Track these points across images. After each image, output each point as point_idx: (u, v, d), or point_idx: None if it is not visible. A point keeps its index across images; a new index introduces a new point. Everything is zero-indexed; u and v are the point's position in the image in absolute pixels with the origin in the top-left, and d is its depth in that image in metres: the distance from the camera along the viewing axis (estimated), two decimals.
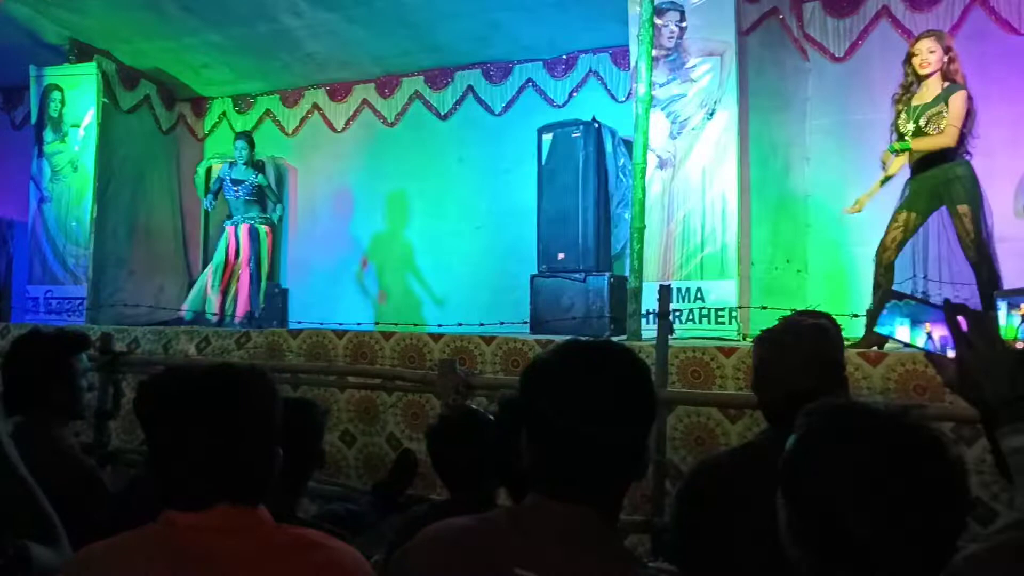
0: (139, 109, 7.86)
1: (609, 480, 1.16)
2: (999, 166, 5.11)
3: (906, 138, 4.23)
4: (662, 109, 5.35)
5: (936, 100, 4.16)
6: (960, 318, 1.10)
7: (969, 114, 4.10)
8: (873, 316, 3.65)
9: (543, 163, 6.09)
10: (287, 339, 5.01)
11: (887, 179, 4.43)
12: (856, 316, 3.87)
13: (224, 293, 6.57)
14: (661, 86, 5.33)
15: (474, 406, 3.04)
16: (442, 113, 7.61)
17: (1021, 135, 5.23)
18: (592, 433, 1.12)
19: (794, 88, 5.85)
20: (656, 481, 3.37)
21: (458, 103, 7.54)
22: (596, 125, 5.99)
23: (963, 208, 4.07)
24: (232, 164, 6.81)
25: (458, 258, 7.33)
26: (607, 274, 5.79)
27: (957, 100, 4.08)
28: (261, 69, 7.75)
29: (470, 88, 7.46)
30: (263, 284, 6.78)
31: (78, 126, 7.22)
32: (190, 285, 7.83)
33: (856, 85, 5.82)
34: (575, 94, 6.98)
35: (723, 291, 5.05)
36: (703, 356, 3.87)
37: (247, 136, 6.96)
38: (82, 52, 7.35)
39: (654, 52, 4.97)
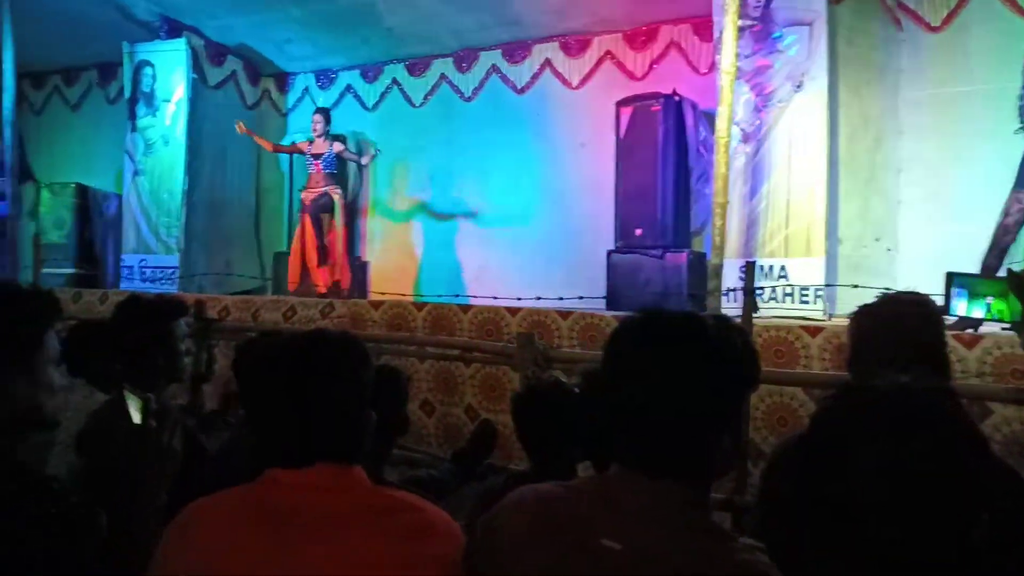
0: (225, 85, 8.07)
1: (695, 456, 1.13)
2: None
3: None
4: (746, 81, 5.21)
5: None
6: None
7: None
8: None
9: (621, 137, 6.01)
10: (369, 310, 5.12)
11: None
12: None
13: (306, 267, 6.68)
14: (746, 57, 5.18)
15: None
16: (519, 87, 7.58)
17: None
18: (676, 407, 1.10)
19: (887, 59, 5.60)
20: (740, 461, 3.32)
21: (535, 77, 7.50)
22: (677, 98, 5.87)
23: None
24: (311, 141, 6.90)
25: (535, 233, 7.32)
26: (686, 250, 5.70)
27: None
28: (342, 44, 7.85)
29: (547, 62, 7.41)
30: (340, 256, 6.87)
31: (169, 101, 7.47)
32: (260, 259, 8.08)
33: (953, 56, 5.53)
34: (655, 66, 6.85)
35: (807, 269, 4.91)
36: (787, 335, 3.80)
37: (323, 111, 7.04)
38: (172, 28, 7.59)
39: (739, 22, 4.83)
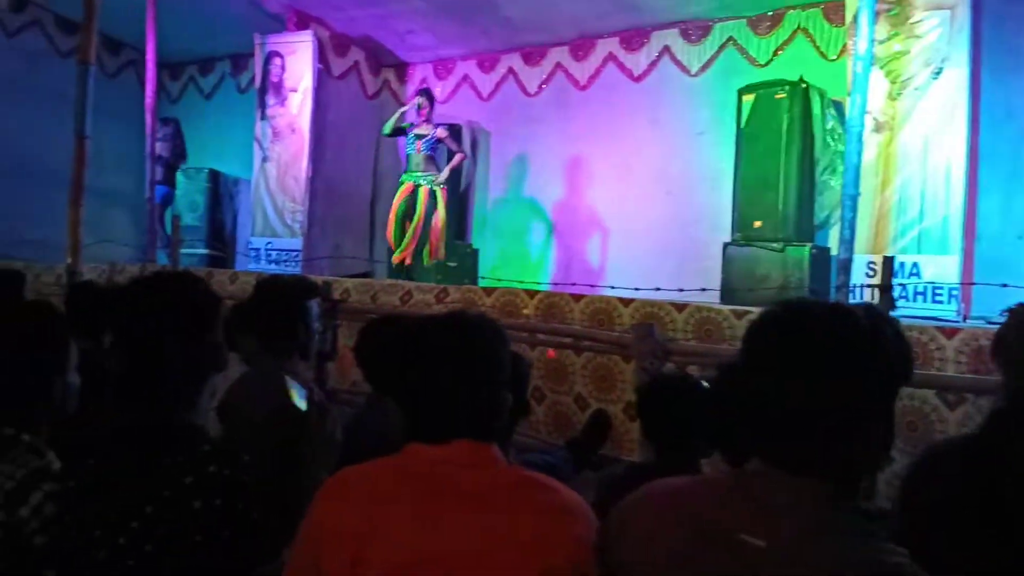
0: (348, 75, 8.33)
1: (843, 454, 1.07)
2: None
3: None
4: (881, 67, 4.97)
5: None
6: None
7: None
8: None
9: (743, 126, 5.82)
10: (481, 296, 5.18)
11: None
12: None
13: (404, 248, 6.68)
14: (881, 43, 4.94)
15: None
16: (635, 75, 7.47)
17: None
18: (825, 401, 1.05)
19: None
20: None
21: (653, 64, 7.37)
22: (804, 85, 5.63)
23: None
24: (414, 123, 6.84)
25: (647, 223, 7.22)
26: (808, 244, 5.47)
27: None
28: (461, 34, 7.95)
29: (666, 48, 7.27)
30: (444, 242, 6.88)
31: (296, 91, 7.77)
32: (371, 244, 8.26)
33: None
34: (780, 53, 6.61)
35: (942, 267, 4.65)
36: (921, 336, 3.59)
37: (426, 91, 6.95)
38: (300, 20, 7.89)
39: (876, 5, 4.60)
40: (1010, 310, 1.73)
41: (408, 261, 6.63)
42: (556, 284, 5.58)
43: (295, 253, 7.55)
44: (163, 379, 1.45)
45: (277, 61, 7.93)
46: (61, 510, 1.46)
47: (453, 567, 1.19)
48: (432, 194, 6.71)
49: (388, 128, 6.91)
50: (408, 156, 6.84)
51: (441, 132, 6.81)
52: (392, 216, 6.72)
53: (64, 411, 1.70)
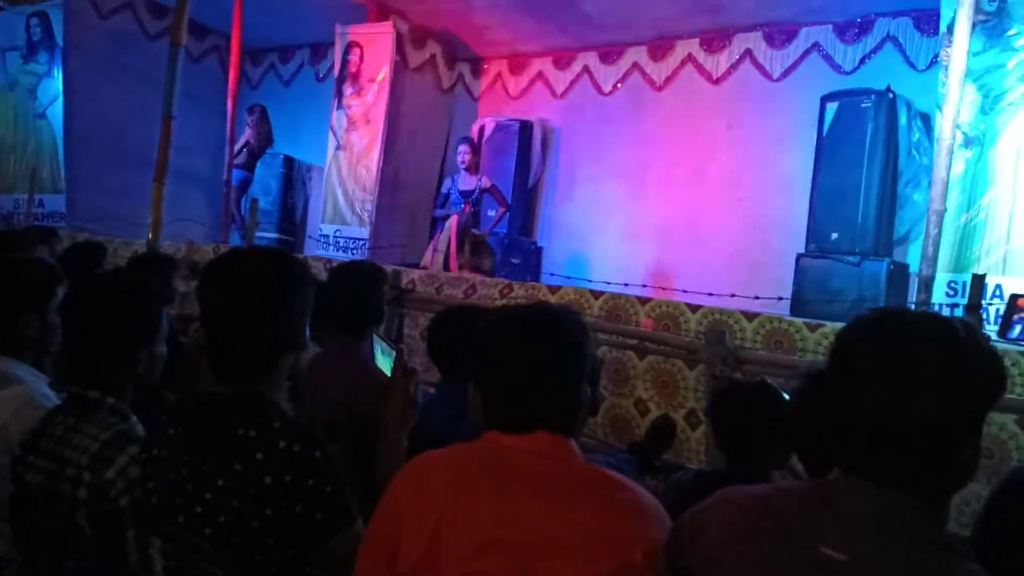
0: (424, 68, 8.39)
1: (934, 468, 1.04)
2: None
3: None
4: (973, 81, 4.77)
5: None
6: None
7: None
8: None
9: (824, 134, 5.67)
10: (546, 293, 5.16)
11: None
12: None
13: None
14: (975, 55, 4.74)
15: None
16: (715, 77, 7.35)
17: None
18: (918, 413, 1.01)
19: None
20: None
21: (733, 67, 7.24)
22: (891, 95, 5.46)
23: None
24: (456, 174, 6.78)
25: (717, 229, 7.10)
26: (887, 259, 5.30)
27: None
28: (538, 30, 7.94)
29: (748, 52, 7.13)
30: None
31: (373, 81, 7.87)
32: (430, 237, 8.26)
33: None
34: (867, 61, 6.42)
35: None
36: (1006, 359, 3.44)
37: (469, 140, 6.94)
38: (380, 11, 7.98)
39: (973, 16, 4.42)
40: None
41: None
42: (627, 285, 5.51)
43: (362, 242, 7.65)
44: (240, 352, 1.47)
45: (356, 51, 8.05)
46: (145, 475, 1.50)
47: (527, 554, 1.19)
48: (482, 240, 6.69)
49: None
50: (454, 208, 6.73)
51: (486, 182, 6.79)
52: (439, 247, 6.67)
53: (150, 379, 1.75)
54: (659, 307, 4.72)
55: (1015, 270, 4.60)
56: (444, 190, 6.96)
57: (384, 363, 1.89)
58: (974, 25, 4.60)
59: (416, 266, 6.84)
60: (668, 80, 7.65)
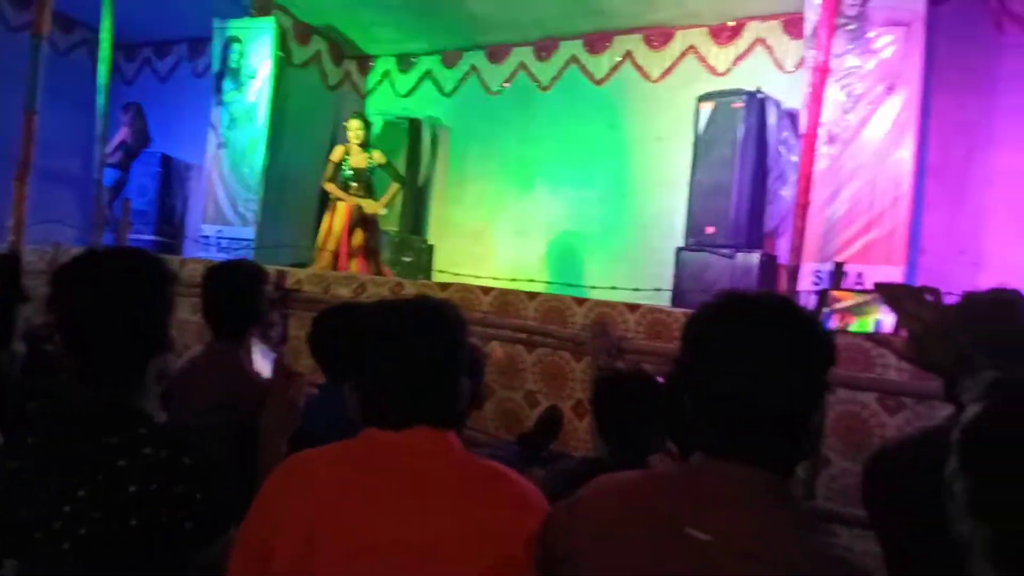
0: (309, 64, 8.22)
1: (785, 440, 1.09)
2: None
3: None
4: (836, 81, 5.08)
5: None
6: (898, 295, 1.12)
7: None
8: None
9: (700, 133, 5.92)
10: (436, 291, 5.16)
11: None
12: None
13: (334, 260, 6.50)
14: (837, 57, 5.05)
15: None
16: (597, 78, 7.52)
17: None
18: (769, 388, 1.06)
19: (986, 64, 5.38)
20: (808, 464, 3.26)
21: (615, 69, 7.43)
22: (760, 95, 5.75)
23: None
24: (348, 151, 6.58)
25: (602, 226, 7.28)
26: (758, 251, 5.59)
27: None
28: (425, 29, 7.91)
29: (628, 54, 7.33)
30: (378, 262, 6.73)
31: (255, 77, 7.63)
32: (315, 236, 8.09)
33: None
34: (739, 63, 6.71)
35: (886, 278, 4.77)
36: (864, 343, 3.69)
37: (360, 115, 6.75)
38: (261, 6, 7.75)
39: (834, 20, 4.71)
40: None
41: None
42: (512, 280, 5.57)
43: (246, 242, 7.42)
44: (103, 357, 1.40)
45: (236, 47, 7.79)
46: (2, 488, 1.41)
47: (407, 553, 1.17)
48: (369, 221, 6.56)
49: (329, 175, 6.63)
50: (346, 186, 6.57)
51: (379, 156, 6.64)
52: (329, 231, 6.54)
53: (8, 379, 1.65)
54: (547, 301, 4.81)
55: (875, 259, 4.93)
56: (335, 159, 6.63)
57: (264, 366, 1.85)
58: (836, 28, 4.91)
59: (305, 266, 6.70)
60: (554, 80, 7.78)
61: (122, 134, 8.10)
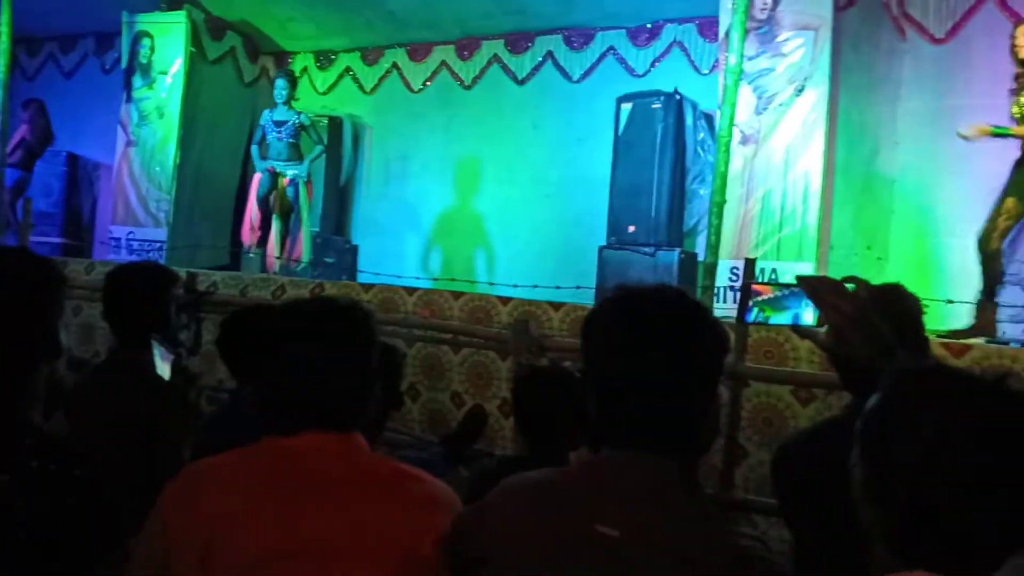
0: (224, 60, 7.98)
1: (685, 430, 1.11)
2: None
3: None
4: (749, 83, 5.22)
5: None
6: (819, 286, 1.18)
7: None
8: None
9: (620, 133, 6.01)
10: (359, 292, 5.08)
11: (998, 134, 4.33)
12: (951, 302, 3.80)
13: (264, 241, 6.52)
14: (750, 59, 5.19)
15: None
16: (519, 78, 7.55)
17: None
18: (655, 380, 1.07)
19: (888, 68, 5.62)
20: (726, 456, 3.34)
21: (536, 68, 7.47)
22: (678, 97, 5.87)
23: None
24: (274, 107, 6.66)
25: (526, 225, 7.31)
26: (678, 249, 5.71)
27: None
28: (344, 25, 7.79)
29: (550, 54, 7.38)
30: (308, 235, 6.75)
31: (166, 73, 7.39)
32: (234, 237, 7.93)
33: (955, 68, 5.56)
34: (657, 64, 6.84)
35: (799, 273, 4.93)
36: (777, 336, 3.80)
37: (288, 73, 6.79)
38: (173, 0, 7.51)
39: (746, 23, 4.84)
40: None
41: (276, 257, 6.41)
42: (436, 280, 5.55)
43: (159, 244, 7.17)
44: None
45: (146, 42, 7.53)
46: None
47: (312, 558, 1.15)
48: (295, 186, 6.51)
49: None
50: (268, 144, 6.59)
51: (305, 118, 6.64)
52: (251, 208, 6.51)
53: None
54: (472, 301, 4.80)
55: (788, 255, 5.10)
56: (261, 122, 6.73)
57: (164, 369, 1.77)
58: (748, 31, 5.04)
59: (224, 268, 6.54)
60: (476, 79, 7.76)
61: (21, 132, 7.70)
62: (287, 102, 6.61)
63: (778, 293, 1.31)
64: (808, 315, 1.27)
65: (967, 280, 4.64)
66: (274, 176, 6.51)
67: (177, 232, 7.32)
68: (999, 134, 4.29)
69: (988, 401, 0.91)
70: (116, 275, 2.14)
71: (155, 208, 7.32)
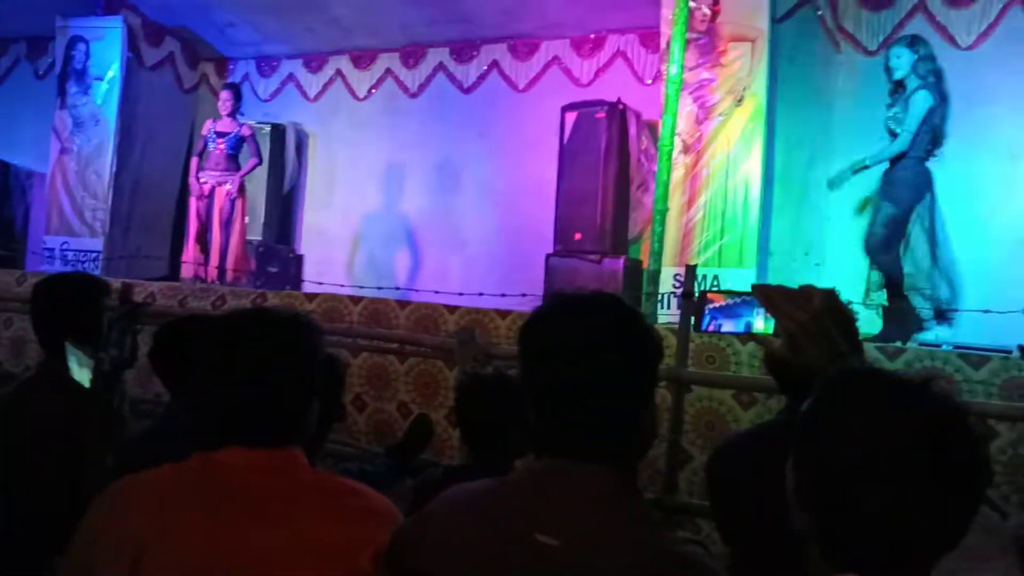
0: (162, 66, 7.83)
1: (622, 436, 1.11)
2: None
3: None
4: (689, 93, 5.32)
5: (902, 103, 4.51)
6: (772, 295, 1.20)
7: (929, 116, 4.44)
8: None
9: (565, 142, 6.06)
10: (303, 301, 5.02)
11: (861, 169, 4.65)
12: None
13: (204, 252, 6.41)
14: (690, 70, 5.29)
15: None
16: (465, 86, 7.56)
17: None
18: (590, 385, 1.07)
19: (824, 79, 5.79)
20: (669, 460, 3.38)
21: (482, 77, 7.49)
22: (621, 106, 5.95)
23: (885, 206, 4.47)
24: (216, 118, 6.58)
25: (473, 233, 7.31)
26: (623, 257, 5.77)
27: (917, 105, 4.43)
28: (286, 32, 7.70)
29: (495, 63, 7.41)
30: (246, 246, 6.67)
31: (102, 79, 7.21)
32: (173, 244, 7.78)
33: (886, 80, 5.75)
34: (601, 74, 6.92)
35: (740, 280, 5.02)
36: (719, 342, 3.87)
37: (232, 86, 6.73)
38: (109, 5, 7.35)
39: (686, 35, 4.94)
40: None
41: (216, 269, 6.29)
42: (380, 289, 5.50)
43: (94, 254, 6.97)
44: None
45: (81, 47, 7.34)
46: None
47: (245, 575, 1.12)
48: (230, 199, 6.42)
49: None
50: (208, 153, 6.47)
51: (247, 130, 6.55)
52: (192, 228, 6.42)
53: None
54: (418, 310, 4.77)
55: (729, 262, 5.20)
56: (204, 133, 6.60)
57: (82, 376, 1.70)
58: (688, 42, 5.14)
59: (165, 279, 6.38)
60: (422, 87, 7.75)
61: None
62: (231, 114, 6.51)
63: (730, 301, 1.33)
64: (759, 323, 1.29)
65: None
66: (212, 189, 6.40)
67: (114, 242, 7.14)
68: (859, 169, 4.62)
69: (916, 404, 0.92)
70: (44, 286, 2.08)
71: (91, 217, 7.12)
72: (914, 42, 4.69)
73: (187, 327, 2.12)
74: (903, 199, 4.48)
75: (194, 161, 6.56)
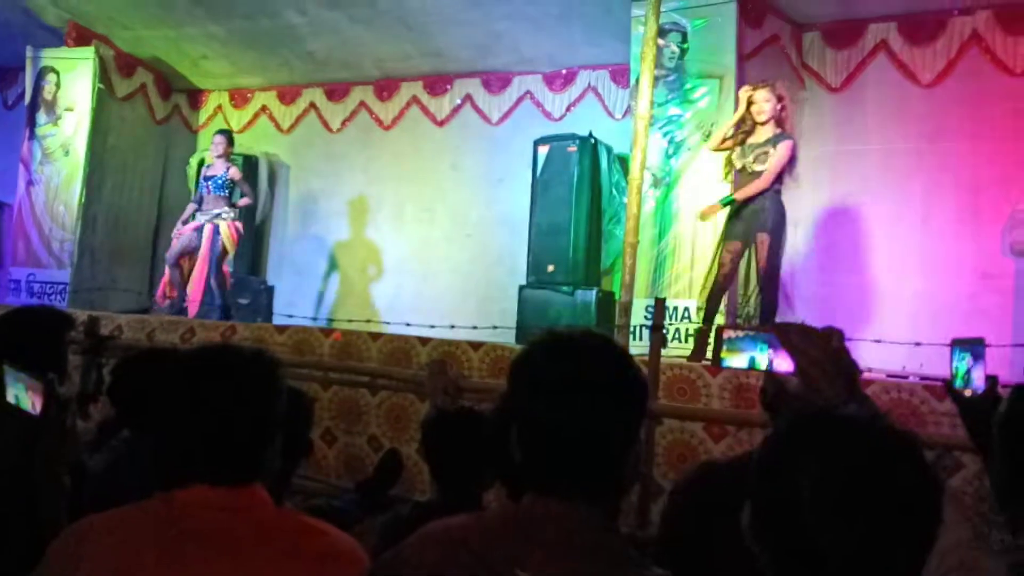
0: (134, 97, 7.81)
1: (608, 474, 1.11)
2: (987, 204, 5.21)
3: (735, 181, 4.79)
4: (659, 128, 5.41)
5: (767, 142, 4.64)
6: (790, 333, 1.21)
7: (791, 160, 4.67)
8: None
9: (538, 175, 6.12)
10: (273, 334, 4.98)
11: (727, 204, 4.74)
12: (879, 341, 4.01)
13: (182, 286, 6.50)
14: (659, 105, 5.38)
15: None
16: (439, 119, 7.62)
17: (1010, 173, 5.31)
18: (581, 422, 1.08)
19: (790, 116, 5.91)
20: (641, 493, 3.38)
21: (455, 110, 7.56)
22: (592, 140, 6.03)
23: (762, 236, 4.57)
24: (211, 162, 6.69)
25: (447, 265, 7.33)
26: (595, 289, 5.81)
27: (783, 148, 4.61)
28: (260, 64, 7.73)
29: (468, 96, 7.48)
30: (221, 274, 6.69)
31: (72, 110, 7.18)
32: (151, 277, 7.74)
33: (850, 116, 5.89)
34: (572, 108, 7.02)
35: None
36: (690, 374, 3.89)
37: (225, 132, 6.84)
38: (80, 36, 7.31)
39: (655, 71, 5.02)
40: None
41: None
42: (351, 321, 5.48)
43: (61, 286, 6.88)
44: None
45: (52, 77, 7.31)
46: None
47: None
48: (216, 229, 6.48)
49: (191, 172, 6.83)
50: (201, 196, 6.61)
51: (235, 173, 6.60)
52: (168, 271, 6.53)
53: None
54: (391, 342, 4.74)
55: (696, 293, 5.24)
56: (198, 184, 6.76)
57: (25, 400, 1.65)
58: (657, 79, 5.22)
59: (135, 311, 6.32)
60: (395, 120, 7.80)
61: None
62: (222, 156, 6.60)
63: (735, 335, 1.33)
64: (762, 358, 1.29)
65: (864, 315, 4.88)
66: (201, 227, 6.50)
67: (82, 274, 7.06)
68: (726, 203, 4.70)
69: (863, 439, 0.94)
70: (6, 319, 2.05)
71: (58, 249, 7.04)
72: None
73: (145, 363, 2.09)
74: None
75: (191, 207, 6.66)
